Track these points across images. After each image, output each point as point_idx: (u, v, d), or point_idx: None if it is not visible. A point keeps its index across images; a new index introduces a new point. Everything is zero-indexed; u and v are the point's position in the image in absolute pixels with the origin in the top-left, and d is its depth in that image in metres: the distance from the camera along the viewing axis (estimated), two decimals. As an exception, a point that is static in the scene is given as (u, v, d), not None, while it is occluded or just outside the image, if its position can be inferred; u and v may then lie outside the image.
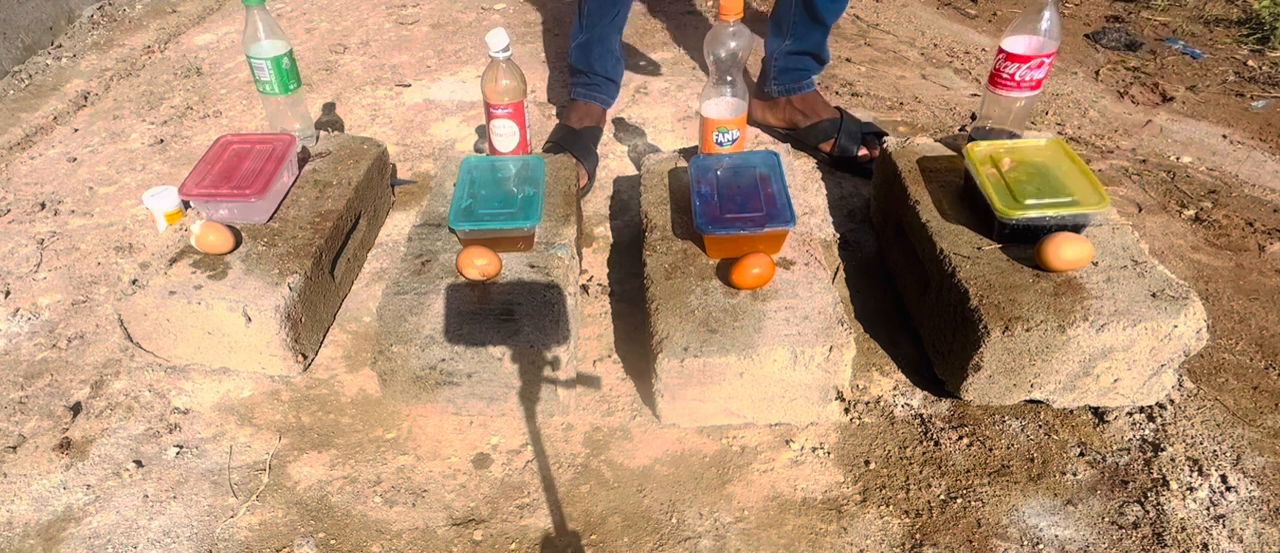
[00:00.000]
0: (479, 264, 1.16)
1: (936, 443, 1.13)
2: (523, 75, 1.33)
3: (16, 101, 1.99)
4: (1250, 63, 2.11)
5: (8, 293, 1.41)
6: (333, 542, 1.02)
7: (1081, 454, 1.11)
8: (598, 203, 1.62)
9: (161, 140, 1.85)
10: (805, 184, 1.63)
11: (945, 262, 1.16)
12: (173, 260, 1.23)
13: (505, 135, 1.36)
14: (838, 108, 1.73)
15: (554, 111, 1.93)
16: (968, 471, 1.09)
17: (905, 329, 1.31)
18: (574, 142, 1.68)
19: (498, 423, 1.17)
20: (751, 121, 1.81)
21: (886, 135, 1.50)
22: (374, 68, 2.16)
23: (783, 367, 1.07)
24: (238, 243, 1.25)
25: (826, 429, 1.15)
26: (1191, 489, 1.05)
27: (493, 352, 1.10)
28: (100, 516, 1.05)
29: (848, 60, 2.15)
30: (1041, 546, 1.00)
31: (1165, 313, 1.05)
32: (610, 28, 1.71)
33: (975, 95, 1.98)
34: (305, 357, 1.24)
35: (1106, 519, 1.03)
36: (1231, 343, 1.27)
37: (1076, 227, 1.17)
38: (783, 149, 1.42)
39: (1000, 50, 1.27)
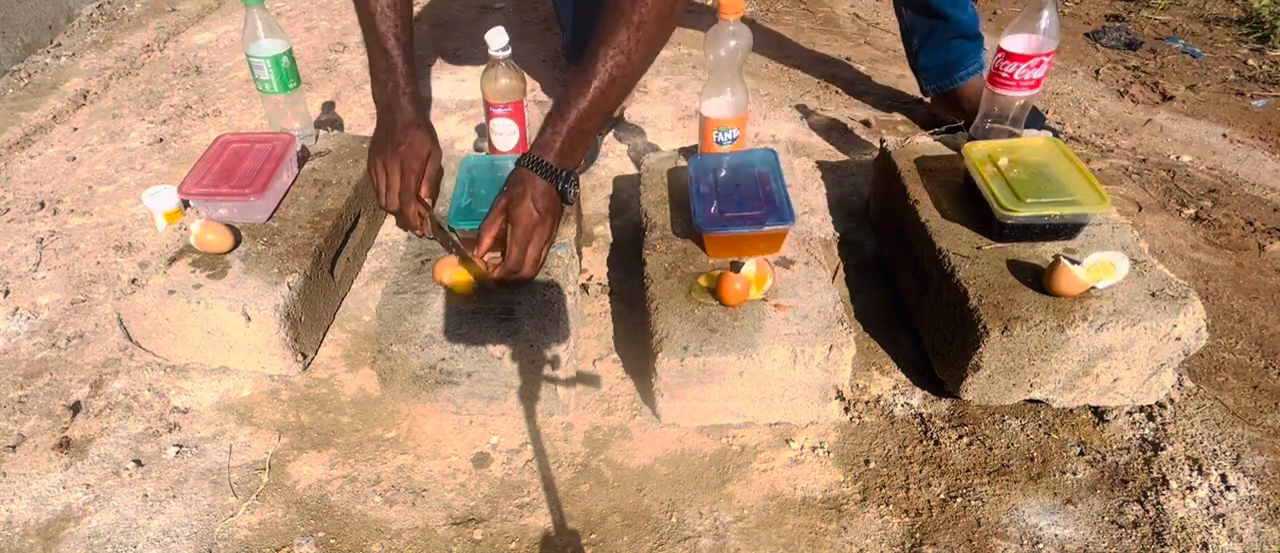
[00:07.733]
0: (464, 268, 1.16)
1: (936, 442, 1.13)
2: (522, 74, 1.33)
3: (16, 100, 1.99)
4: (1250, 62, 2.11)
5: (7, 292, 1.41)
6: (332, 541, 1.02)
7: (1081, 454, 1.11)
8: (598, 202, 1.62)
9: (161, 139, 1.85)
10: (805, 184, 1.63)
11: (945, 261, 1.16)
12: (172, 260, 1.23)
13: (504, 134, 1.36)
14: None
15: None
16: (967, 470, 1.09)
17: (905, 329, 1.31)
18: None
19: (497, 422, 1.17)
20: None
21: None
22: (373, 67, 2.15)
23: (782, 366, 1.07)
24: (237, 242, 1.25)
25: (826, 429, 1.15)
26: (1191, 489, 1.05)
27: (492, 351, 1.10)
28: (100, 515, 1.05)
29: (848, 60, 2.15)
30: (1041, 545, 1.00)
31: (1165, 312, 1.05)
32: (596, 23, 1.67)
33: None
34: (305, 356, 1.24)
35: (1106, 519, 1.03)
36: (1231, 342, 1.27)
37: (1076, 226, 1.17)
38: (782, 148, 1.42)
39: (999, 49, 1.27)
